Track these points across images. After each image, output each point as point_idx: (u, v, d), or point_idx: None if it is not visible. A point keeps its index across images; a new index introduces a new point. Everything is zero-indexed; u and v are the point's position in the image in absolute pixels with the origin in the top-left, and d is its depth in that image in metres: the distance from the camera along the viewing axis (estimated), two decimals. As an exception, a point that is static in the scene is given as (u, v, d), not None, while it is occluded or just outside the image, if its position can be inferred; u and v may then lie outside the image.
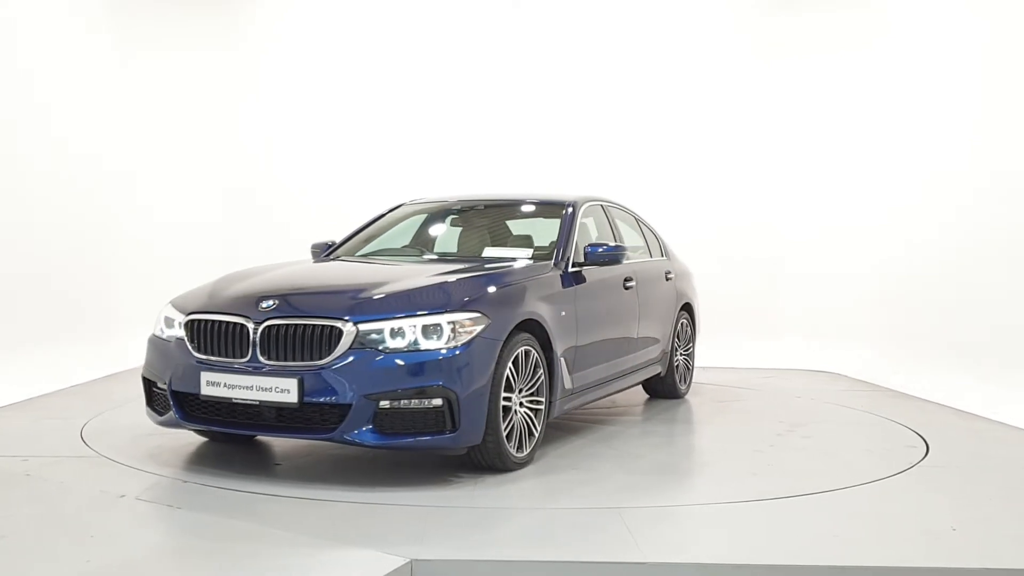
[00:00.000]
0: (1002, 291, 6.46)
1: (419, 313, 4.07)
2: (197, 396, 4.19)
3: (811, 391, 7.32)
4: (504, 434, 4.23)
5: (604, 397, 5.61)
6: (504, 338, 4.22)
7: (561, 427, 5.52)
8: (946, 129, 7.49)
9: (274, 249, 7.49)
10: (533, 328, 4.51)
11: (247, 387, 4.04)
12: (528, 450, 4.45)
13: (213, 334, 4.22)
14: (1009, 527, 3.71)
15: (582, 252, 5.24)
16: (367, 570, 3.03)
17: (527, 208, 5.93)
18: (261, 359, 4.07)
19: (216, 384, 4.12)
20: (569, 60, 9.17)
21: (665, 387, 6.59)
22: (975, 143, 7.05)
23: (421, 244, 5.83)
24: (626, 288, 5.64)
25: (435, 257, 5.56)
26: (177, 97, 8.67)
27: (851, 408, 6.55)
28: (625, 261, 5.70)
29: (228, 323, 4.19)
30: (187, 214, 8.76)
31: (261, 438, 4.96)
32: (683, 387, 6.76)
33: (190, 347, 4.28)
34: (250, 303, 4.22)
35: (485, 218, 5.96)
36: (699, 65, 9.16)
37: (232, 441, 4.94)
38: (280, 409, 4.03)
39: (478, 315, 4.15)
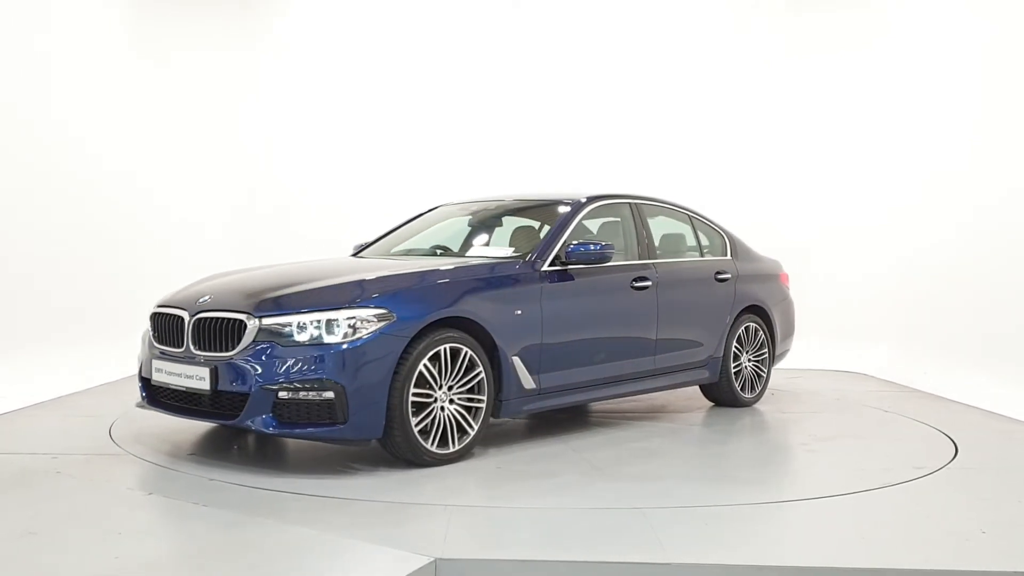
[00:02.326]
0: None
1: (321, 309, 4.23)
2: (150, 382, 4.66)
3: (837, 392, 7.26)
4: (417, 429, 4.27)
5: (605, 400, 5.55)
6: (413, 334, 4.26)
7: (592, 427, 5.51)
8: (947, 129, 7.44)
9: (274, 249, 7.56)
10: (471, 326, 4.53)
11: (178, 375, 4.42)
12: (457, 447, 4.47)
13: (165, 326, 4.63)
14: (1040, 530, 3.66)
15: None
16: (391, 569, 3.03)
17: (546, 208, 5.80)
18: (192, 349, 4.40)
19: (160, 371, 4.54)
20: (569, 63, 9.18)
21: (723, 394, 6.28)
22: (976, 142, 7.01)
23: (443, 243, 5.84)
24: (637, 288, 5.53)
25: (446, 255, 5.58)
26: (178, 98, 8.72)
27: (878, 409, 6.49)
28: (635, 261, 5.63)
29: (173, 316, 4.58)
30: (192, 214, 8.82)
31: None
32: (748, 395, 6.36)
33: (152, 337, 4.73)
34: (195, 298, 4.57)
35: (506, 218, 5.94)
36: (700, 66, 9.14)
37: (252, 438, 5.02)
38: (211, 397, 4.28)
39: (383, 311, 4.24)
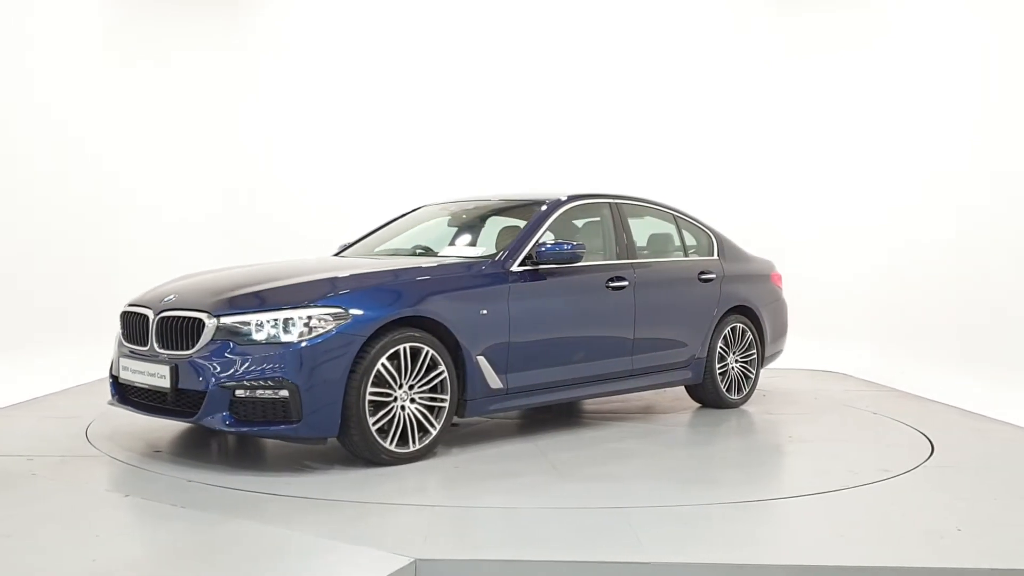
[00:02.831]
0: (1007, 291, 6.44)
1: (277, 308, 4.27)
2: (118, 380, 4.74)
3: (816, 391, 7.29)
4: (375, 428, 4.29)
5: (577, 400, 5.51)
6: (369, 334, 4.28)
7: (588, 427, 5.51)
8: (946, 129, 7.47)
9: (274, 249, 7.52)
10: (434, 326, 4.54)
11: (143, 372, 4.50)
12: (417, 446, 4.47)
13: (133, 324, 4.70)
14: (1015, 527, 3.67)
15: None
16: (371, 569, 3.02)
17: (529, 208, 5.78)
18: (156, 348, 4.47)
19: (127, 369, 4.62)
20: (568, 63, 9.16)
21: (707, 395, 6.21)
22: (975, 143, 7.03)
23: (426, 243, 5.83)
24: (612, 288, 5.50)
25: (427, 255, 5.57)
26: (178, 98, 8.73)
27: (856, 408, 6.52)
28: (613, 261, 5.62)
29: (139, 315, 4.65)
30: (191, 214, 8.82)
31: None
32: (734, 397, 6.28)
33: (121, 336, 4.79)
34: (161, 297, 4.61)
35: (487, 218, 5.92)
36: (700, 66, 9.14)
37: (230, 438, 5.02)
38: (172, 394, 4.32)
39: (338, 311, 4.27)
